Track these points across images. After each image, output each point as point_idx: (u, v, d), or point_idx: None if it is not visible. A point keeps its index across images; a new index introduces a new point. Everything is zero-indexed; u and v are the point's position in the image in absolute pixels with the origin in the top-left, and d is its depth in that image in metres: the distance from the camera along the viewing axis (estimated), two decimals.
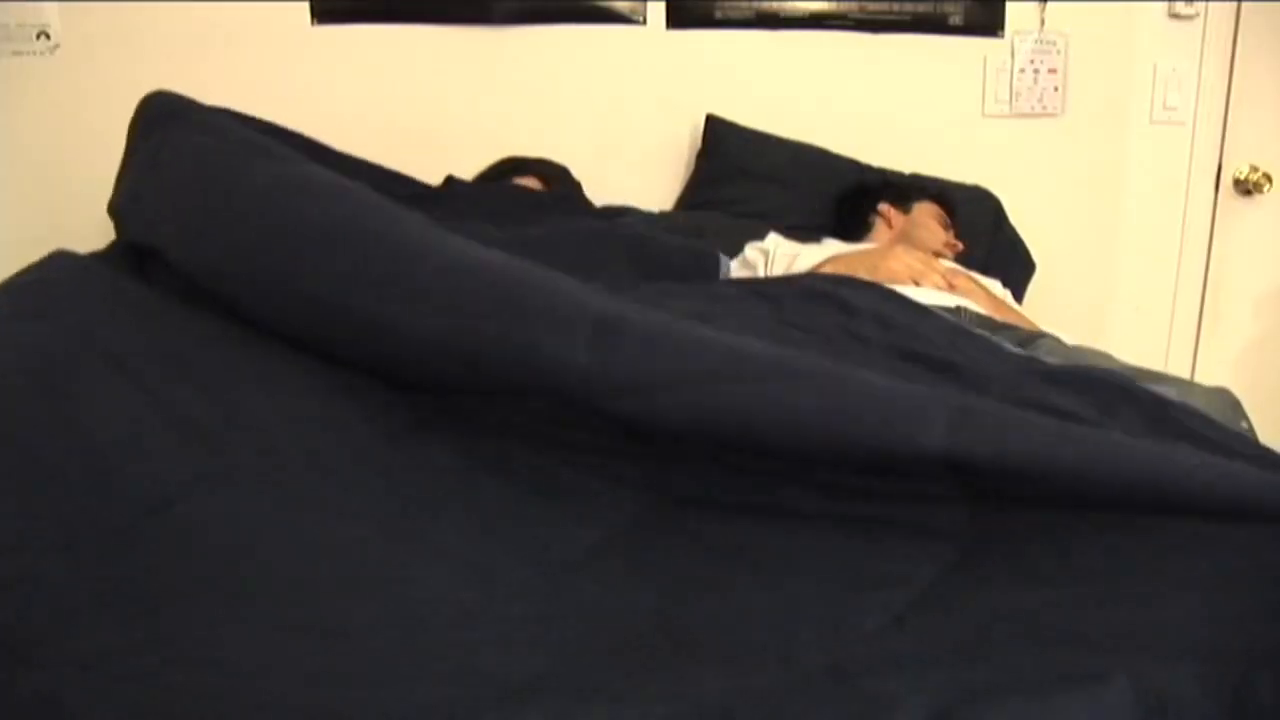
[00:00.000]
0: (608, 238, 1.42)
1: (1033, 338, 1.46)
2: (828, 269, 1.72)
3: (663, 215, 2.23)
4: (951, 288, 1.65)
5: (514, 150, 2.13)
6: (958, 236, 2.04)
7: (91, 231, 1.43)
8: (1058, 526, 0.66)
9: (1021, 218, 2.30)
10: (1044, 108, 2.32)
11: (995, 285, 1.90)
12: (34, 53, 2.08)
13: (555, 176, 2.08)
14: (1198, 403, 1.05)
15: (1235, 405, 1.09)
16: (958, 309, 1.52)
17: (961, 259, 1.98)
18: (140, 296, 0.97)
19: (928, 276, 1.65)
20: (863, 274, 1.67)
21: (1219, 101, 2.35)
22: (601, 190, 2.18)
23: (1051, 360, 1.31)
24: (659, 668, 0.59)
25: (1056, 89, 2.31)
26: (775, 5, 2.24)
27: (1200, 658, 0.53)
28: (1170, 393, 1.09)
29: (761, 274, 1.91)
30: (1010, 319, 1.62)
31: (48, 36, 2.07)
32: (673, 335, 0.76)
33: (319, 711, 0.54)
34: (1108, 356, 1.31)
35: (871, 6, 2.25)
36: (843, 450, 0.70)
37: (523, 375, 0.77)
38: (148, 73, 2.11)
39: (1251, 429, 1.07)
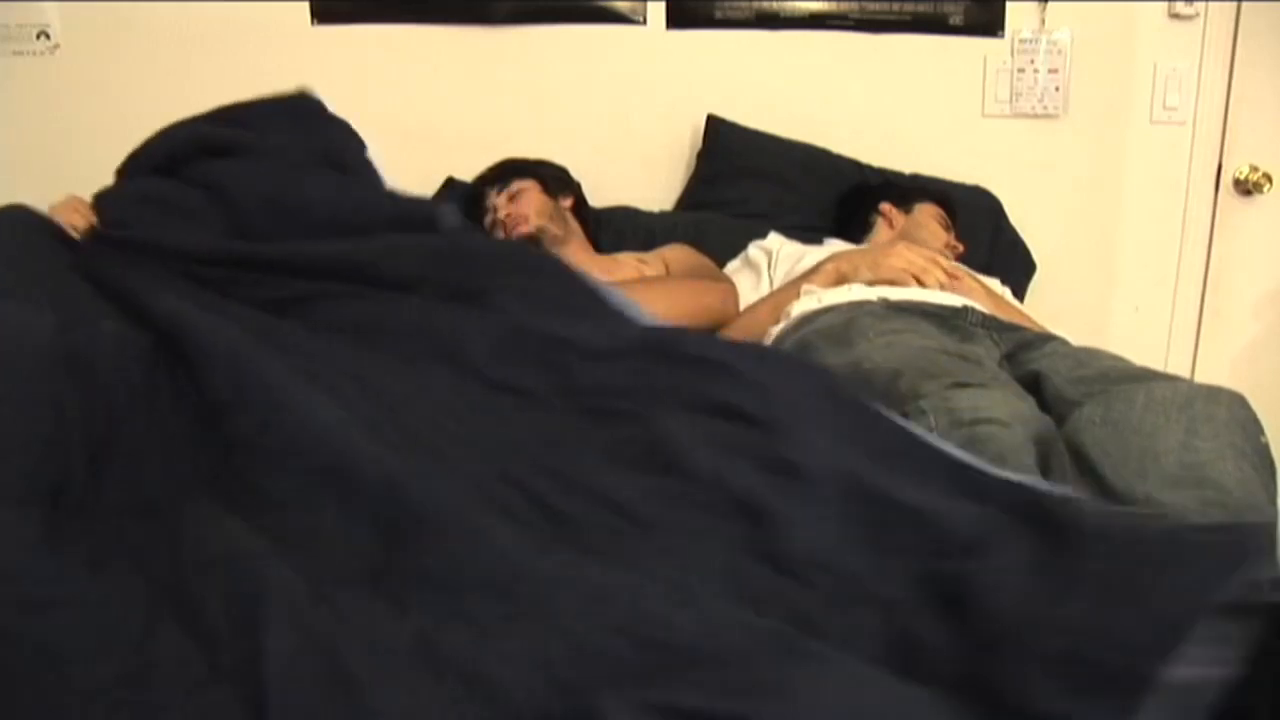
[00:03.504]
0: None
1: (1042, 340, 1.46)
2: (829, 266, 1.72)
3: (663, 215, 2.23)
4: (954, 279, 1.66)
5: (514, 150, 2.12)
6: (958, 238, 2.05)
7: None
8: None
9: (1021, 218, 2.30)
10: (1044, 108, 2.32)
11: (994, 284, 1.90)
12: (34, 53, 2.08)
13: (555, 177, 2.07)
14: (1221, 413, 1.03)
15: (1256, 420, 1.07)
16: (964, 309, 1.52)
17: (961, 259, 1.98)
18: None
19: (929, 273, 1.65)
20: (865, 270, 1.67)
21: (1219, 101, 2.35)
22: (601, 190, 2.18)
23: (1063, 362, 1.30)
24: None
25: (1057, 89, 2.31)
26: (775, 5, 2.24)
27: None
28: (1182, 389, 1.07)
29: (765, 273, 1.91)
30: (1015, 319, 1.62)
31: (48, 36, 2.07)
32: None
33: None
34: (1117, 358, 1.30)
35: (871, 6, 2.25)
36: None
37: None
38: (148, 73, 2.12)
39: (1268, 444, 1.05)
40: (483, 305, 1.15)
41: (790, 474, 0.85)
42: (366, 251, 1.23)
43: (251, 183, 1.34)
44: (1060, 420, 1.13)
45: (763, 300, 1.74)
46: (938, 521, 0.81)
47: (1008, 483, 0.86)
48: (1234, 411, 1.04)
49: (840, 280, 1.68)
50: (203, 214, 1.32)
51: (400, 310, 1.16)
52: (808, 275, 1.72)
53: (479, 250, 1.28)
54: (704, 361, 1.00)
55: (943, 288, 1.64)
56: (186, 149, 1.44)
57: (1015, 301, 1.97)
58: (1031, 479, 0.89)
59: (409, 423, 0.94)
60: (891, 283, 1.64)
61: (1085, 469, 1.03)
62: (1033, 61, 2.29)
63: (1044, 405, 1.20)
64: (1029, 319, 1.71)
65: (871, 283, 1.64)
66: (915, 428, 0.97)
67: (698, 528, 0.82)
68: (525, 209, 1.95)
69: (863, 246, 1.91)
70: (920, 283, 1.63)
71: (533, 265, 1.26)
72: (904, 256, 1.67)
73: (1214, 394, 1.06)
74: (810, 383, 1.00)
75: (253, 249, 1.24)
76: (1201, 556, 0.71)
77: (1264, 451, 1.02)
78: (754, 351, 1.08)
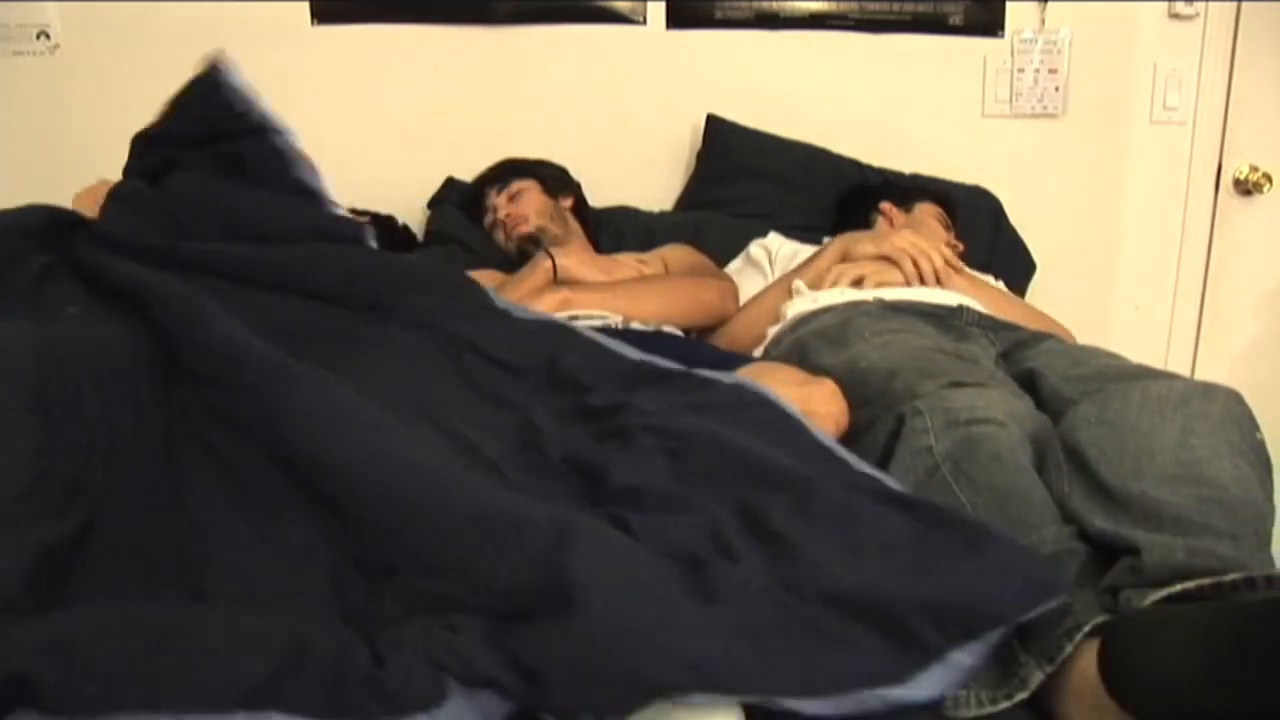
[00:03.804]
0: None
1: (1038, 339, 1.46)
2: (836, 245, 1.73)
3: (663, 215, 2.23)
4: (953, 269, 1.66)
5: (514, 150, 2.13)
6: (958, 237, 2.05)
7: None
8: None
9: (1021, 218, 2.30)
10: (1044, 108, 2.32)
11: (988, 280, 1.91)
12: (34, 53, 2.08)
13: (555, 177, 2.07)
14: (1217, 410, 1.03)
15: (1251, 417, 1.07)
16: (959, 308, 1.52)
17: (961, 259, 1.98)
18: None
19: (927, 256, 1.65)
20: (869, 245, 1.70)
21: (1219, 101, 2.35)
22: (601, 190, 2.18)
23: (1059, 361, 1.30)
24: None
25: (1057, 89, 2.31)
26: (775, 5, 2.24)
27: None
28: (1178, 387, 1.07)
29: (767, 270, 1.92)
30: (1016, 313, 1.62)
31: (48, 36, 2.07)
32: None
33: None
34: (1113, 356, 1.30)
35: (871, 6, 2.25)
36: None
37: None
38: (148, 73, 2.11)
39: (1264, 441, 1.04)
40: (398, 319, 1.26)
41: (621, 438, 1.01)
42: (288, 256, 1.30)
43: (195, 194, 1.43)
44: (1056, 419, 1.13)
45: (762, 294, 1.74)
46: (753, 459, 0.95)
47: (821, 445, 1.02)
48: (1229, 409, 1.04)
49: (844, 256, 1.69)
50: (157, 215, 1.40)
51: (323, 314, 1.25)
52: (814, 258, 1.73)
53: (394, 264, 1.38)
54: (575, 379, 1.15)
55: (938, 276, 1.64)
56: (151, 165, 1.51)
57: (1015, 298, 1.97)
58: (842, 451, 1.01)
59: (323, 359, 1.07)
60: (888, 258, 1.66)
61: (1080, 467, 1.02)
62: (1033, 61, 2.29)
63: (1040, 403, 1.20)
64: (1029, 309, 1.72)
65: (871, 263, 1.66)
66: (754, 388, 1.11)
67: (547, 486, 0.96)
68: (525, 209, 1.96)
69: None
70: (917, 266, 1.64)
71: (449, 281, 1.37)
72: (906, 238, 1.69)
73: (1210, 391, 1.06)
74: (663, 384, 1.15)
75: (176, 245, 1.31)
76: (1012, 572, 0.82)
77: (1260, 448, 1.02)
78: (620, 370, 1.20)
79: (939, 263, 1.65)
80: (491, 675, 0.72)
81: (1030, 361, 1.33)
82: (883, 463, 1.09)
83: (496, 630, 0.76)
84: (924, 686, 0.75)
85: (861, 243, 1.73)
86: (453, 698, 0.72)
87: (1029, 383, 1.27)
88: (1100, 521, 0.95)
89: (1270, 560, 0.91)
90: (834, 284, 1.64)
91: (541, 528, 0.80)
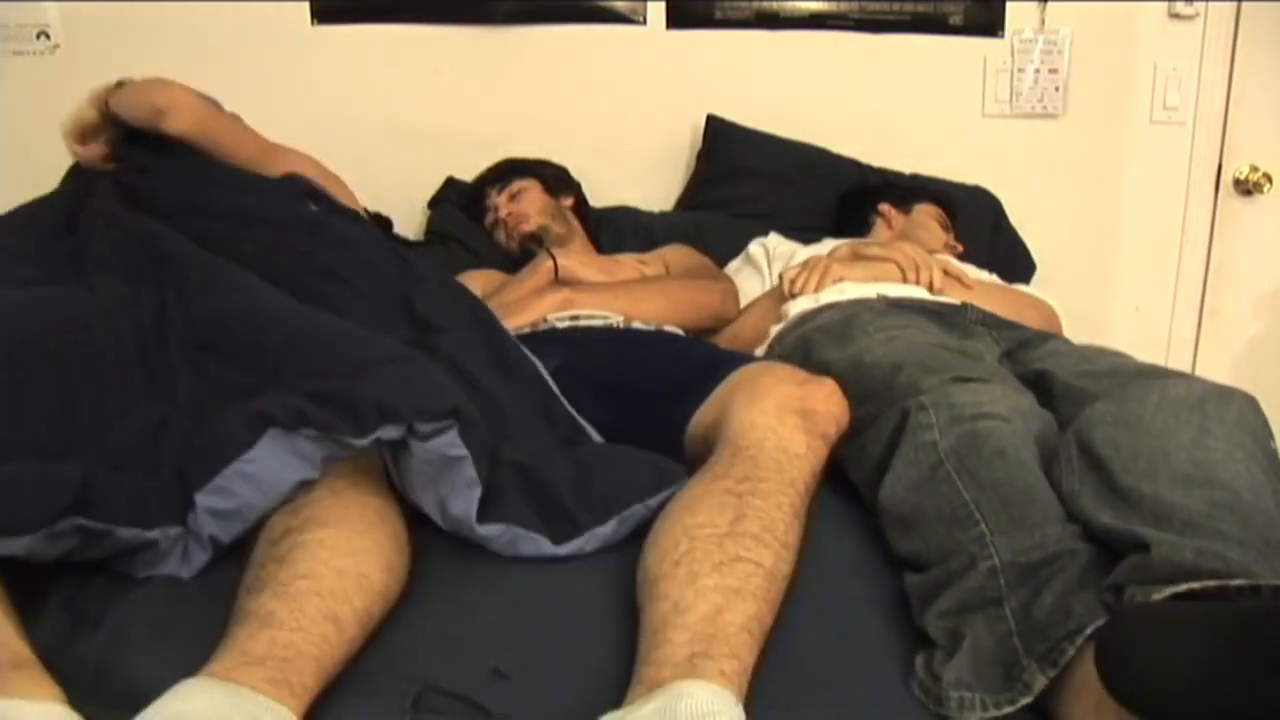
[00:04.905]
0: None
1: (1041, 339, 1.45)
2: (844, 251, 1.74)
3: (663, 215, 2.23)
4: (947, 281, 1.66)
5: (514, 150, 2.13)
6: (957, 238, 2.05)
7: None
8: None
9: (1021, 218, 2.30)
10: (1044, 108, 2.32)
11: (983, 275, 1.90)
12: (34, 53, 2.08)
13: (556, 177, 2.07)
14: (1233, 414, 1.02)
15: (1266, 424, 1.05)
16: (963, 306, 1.52)
17: (961, 259, 1.98)
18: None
19: (928, 267, 1.65)
20: (876, 248, 1.71)
21: (1219, 101, 2.35)
22: (601, 190, 2.18)
23: (1068, 360, 1.30)
24: None
25: (1057, 89, 2.31)
26: (775, 5, 2.24)
27: None
28: (1196, 389, 1.06)
29: (764, 269, 1.91)
30: (1026, 316, 1.62)
31: (48, 36, 2.07)
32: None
33: None
34: (1119, 354, 1.29)
35: (871, 6, 2.25)
36: None
37: None
38: (148, 73, 2.11)
39: (1276, 450, 1.03)
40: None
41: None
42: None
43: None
44: (1070, 416, 1.11)
45: (765, 294, 1.74)
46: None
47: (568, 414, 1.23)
48: (1245, 414, 1.02)
49: (854, 255, 1.71)
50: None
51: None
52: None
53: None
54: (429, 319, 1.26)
55: (932, 286, 1.64)
56: None
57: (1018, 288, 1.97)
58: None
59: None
60: (888, 260, 1.65)
61: (1094, 465, 1.01)
62: (1033, 61, 2.30)
63: (1050, 402, 1.19)
64: (1039, 312, 1.73)
65: (875, 263, 1.66)
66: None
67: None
68: (526, 208, 1.96)
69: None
70: (917, 274, 1.64)
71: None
72: (914, 247, 1.70)
73: (1226, 395, 1.05)
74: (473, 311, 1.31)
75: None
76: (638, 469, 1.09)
77: (1273, 456, 1.00)
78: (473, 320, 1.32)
79: (938, 277, 1.65)
80: (303, 409, 0.87)
81: (1037, 362, 1.32)
82: (886, 457, 1.08)
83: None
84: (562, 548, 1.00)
85: (870, 245, 1.73)
86: (265, 439, 0.87)
87: (1038, 383, 1.26)
88: (1108, 519, 0.94)
89: (1278, 569, 0.89)
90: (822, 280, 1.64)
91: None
